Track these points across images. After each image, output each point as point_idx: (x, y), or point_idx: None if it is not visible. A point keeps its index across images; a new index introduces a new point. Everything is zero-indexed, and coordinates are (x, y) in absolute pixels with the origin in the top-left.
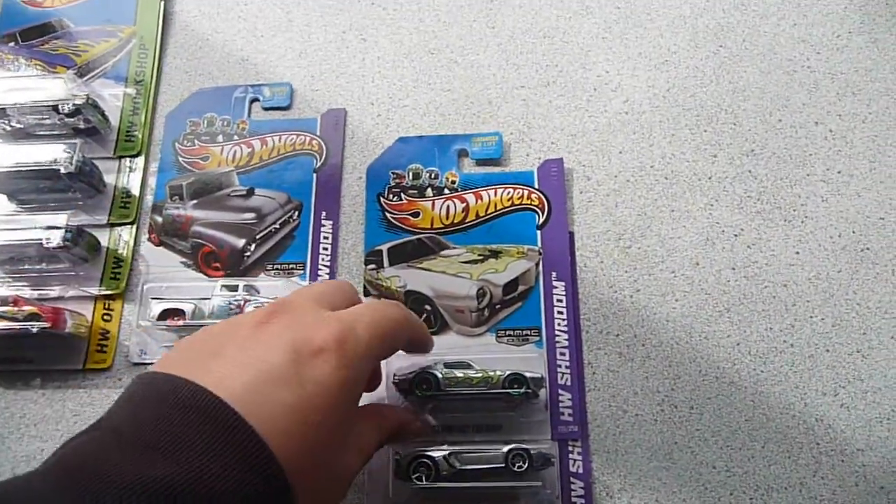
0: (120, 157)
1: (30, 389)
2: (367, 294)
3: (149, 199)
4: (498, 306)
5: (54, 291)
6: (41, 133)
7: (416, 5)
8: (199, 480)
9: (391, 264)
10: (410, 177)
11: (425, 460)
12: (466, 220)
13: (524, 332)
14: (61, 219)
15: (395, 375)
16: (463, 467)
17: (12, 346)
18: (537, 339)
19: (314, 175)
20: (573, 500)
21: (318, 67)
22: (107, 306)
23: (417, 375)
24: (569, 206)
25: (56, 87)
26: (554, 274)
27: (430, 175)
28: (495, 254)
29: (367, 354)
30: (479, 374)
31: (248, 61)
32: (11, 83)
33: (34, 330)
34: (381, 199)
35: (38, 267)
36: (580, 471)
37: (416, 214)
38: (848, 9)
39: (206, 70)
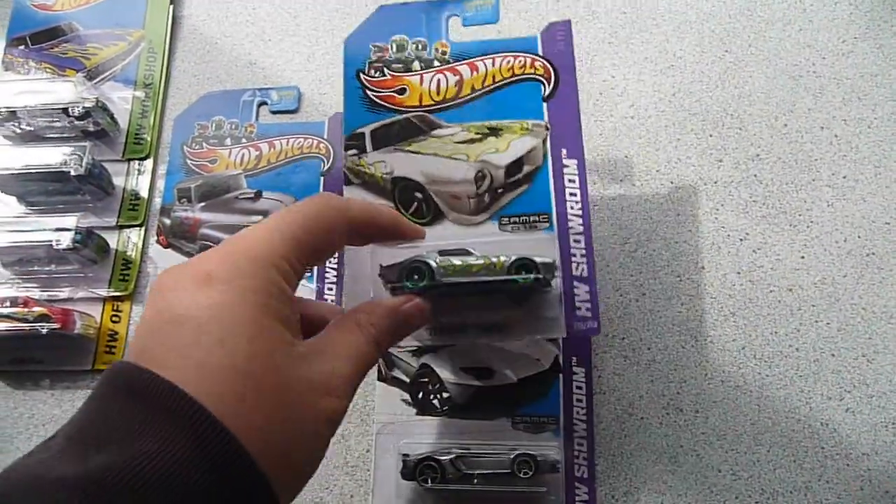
0: (129, 160)
1: (39, 390)
2: (348, 183)
3: (157, 201)
4: (500, 190)
5: (63, 293)
6: (51, 136)
7: None
8: (127, 468)
9: (375, 148)
10: (394, 49)
11: (432, 463)
12: (460, 95)
13: (531, 219)
14: (70, 221)
15: (381, 266)
16: (469, 471)
17: (22, 347)
18: (547, 225)
19: (321, 178)
20: None
21: (325, 71)
22: (115, 307)
23: (407, 263)
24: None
25: (66, 91)
26: (564, 151)
27: (417, 46)
28: (495, 131)
29: (265, 261)
30: (481, 261)
31: (256, 65)
32: (22, 86)
33: (44, 331)
34: (362, 75)
35: (47, 268)
36: (585, 476)
37: (401, 91)
38: (853, 14)
39: (214, 73)
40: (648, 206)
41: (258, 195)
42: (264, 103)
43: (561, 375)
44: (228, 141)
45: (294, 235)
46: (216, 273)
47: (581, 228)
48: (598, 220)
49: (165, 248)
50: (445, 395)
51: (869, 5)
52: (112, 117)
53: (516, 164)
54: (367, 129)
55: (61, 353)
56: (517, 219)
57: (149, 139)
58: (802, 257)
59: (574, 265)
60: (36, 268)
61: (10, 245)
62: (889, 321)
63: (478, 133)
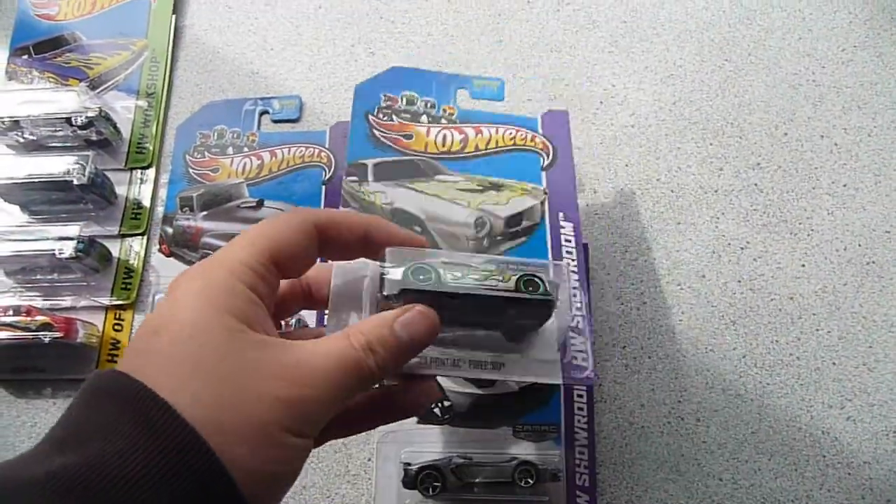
0: (131, 169)
1: (41, 398)
2: (346, 206)
3: (159, 210)
4: (499, 238)
5: (66, 301)
6: (54, 145)
7: (424, 20)
8: (92, 466)
9: (377, 180)
10: (404, 102)
11: (433, 472)
12: (465, 151)
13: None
14: (73, 230)
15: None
16: (470, 480)
17: (24, 356)
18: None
19: (323, 187)
20: None
21: (327, 80)
22: (118, 316)
23: (411, 265)
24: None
25: (69, 100)
26: (561, 214)
27: (427, 104)
28: (497, 186)
29: (228, 269)
30: (490, 269)
31: (257, 74)
32: (25, 96)
33: (46, 339)
34: (370, 116)
35: (49, 277)
36: (586, 484)
37: (408, 136)
38: (853, 23)
39: (216, 83)
40: (649, 215)
41: (260, 204)
42: (266, 112)
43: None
44: (230, 150)
45: (258, 244)
46: (190, 283)
47: (577, 284)
48: (598, 229)
49: (168, 256)
50: (447, 403)
51: (868, 14)
52: (115, 126)
53: (516, 218)
54: (370, 161)
55: (64, 361)
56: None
57: (151, 148)
58: (803, 266)
59: (573, 318)
60: (38, 277)
61: (13, 254)
62: (890, 330)
63: (479, 185)
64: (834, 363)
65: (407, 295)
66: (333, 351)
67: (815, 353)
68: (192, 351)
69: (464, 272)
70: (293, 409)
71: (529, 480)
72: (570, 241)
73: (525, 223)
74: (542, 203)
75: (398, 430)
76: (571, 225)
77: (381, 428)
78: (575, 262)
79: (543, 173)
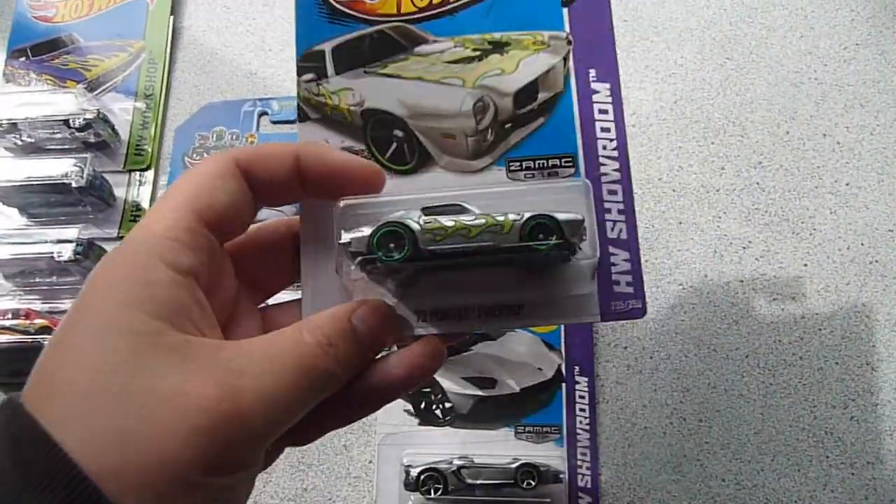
0: (130, 171)
1: None
2: (303, 119)
3: None
4: (508, 125)
5: (65, 304)
6: (52, 147)
7: None
8: None
9: (339, 72)
10: None
11: (435, 474)
12: (451, 0)
13: (550, 163)
14: (72, 232)
15: (342, 233)
16: (472, 482)
17: (23, 360)
18: (571, 170)
19: None
20: None
21: None
22: None
23: (380, 227)
24: None
25: (66, 102)
26: (592, 72)
27: None
28: (499, 47)
29: (154, 237)
30: (481, 221)
31: (256, 75)
32: (23, 98)
33: (45, 343)
34: None
35: (48, 280)
36: (588, 486)
37: None
38: (855, 21)
39: (214, 84)
40: (651, 215)
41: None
42: (265, 113)
43: (563, 385)
44: None
45: (180, 206)
46: (104, 274)
47: (617, 175)
48: None
49: None
50: (448, 405)
51: (870, 11)
52: (113, 128)
53: (529, 90)
54: (327, 47)
55: None
56: (531, 163)
57: (150, 150)
58: (805, 265)
59: (609, 225)
60: (38, 280)
61: (11, 257)
62: (893, 329)
63: (476, 49)
64: (837, 363)
65: (381, 264)
66: (283, 351)
67: (817, 352)
68: (92, 374)
69: (451, 223)
70: (217, 441)
71: (531, 482)
72: (605, 114)
73: (542, 95)
74: (565, 60)
75: (399, 432)
76: (608, 87)
77: (382, 430)
78: (614, 144)
79: (565, 12)
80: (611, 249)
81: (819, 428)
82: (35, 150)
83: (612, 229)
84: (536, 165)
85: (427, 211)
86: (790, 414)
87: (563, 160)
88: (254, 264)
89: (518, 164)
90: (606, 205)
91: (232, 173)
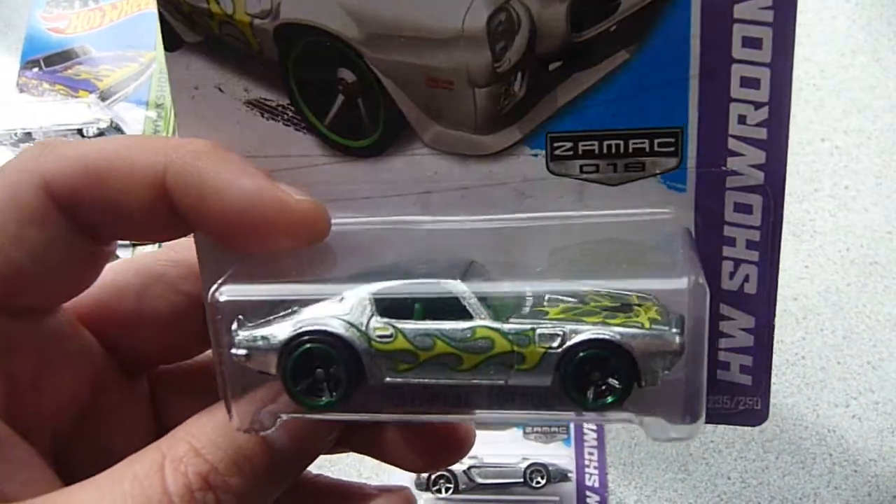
0: None
1: None
2: (174, 46)
3: None
4: (555, 66)
5: None
6: None
7: None
8: None
9: None
10: None
11: (445, 473)
12: None
13: (631, 146)
14: None
15: (234, 328)
16: (482, 481)
17: None
18: (670, 158)
19: None
20: None
21: None
22: None
23: (293, 337)
24: None
25: (79, 111)
26: None
27: None
28: None
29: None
30: (485, 340)
31: None
32: (36, 108)
33: None
34: None
35: None
36: (596, 485)
37: None
38: (851, 28)
39: None
40: None
41: None
42: None
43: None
44: None
45: None
46: None
47: (759, 175)
48: None
49: None
50: None
51: (866, 19)
52: None
53: None
54: None
55: None
56: (596, 144)
57: None
58: (806, 267)
59: (728, 266)
60: None
61: None
62: (894, 328)
63: None
64: (839, 362)
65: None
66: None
67: (820, 352)
68: None
69: (426, 340)
70: None
71: (540, 481)
72: (757, 48)
73: (627, 3)
74: None
75: None
76: None
77: None
78: (764, 113)
79: None
80: (723, 309)
81: (822, 426)
82: None
83: (733, 275)
84: (605, 149)
85: (382, 303)
86: (794, 413)
87: (657, 139)
88: (122, 330)
89: (570, 144)
90: (728, 230)
91: (35, 209)
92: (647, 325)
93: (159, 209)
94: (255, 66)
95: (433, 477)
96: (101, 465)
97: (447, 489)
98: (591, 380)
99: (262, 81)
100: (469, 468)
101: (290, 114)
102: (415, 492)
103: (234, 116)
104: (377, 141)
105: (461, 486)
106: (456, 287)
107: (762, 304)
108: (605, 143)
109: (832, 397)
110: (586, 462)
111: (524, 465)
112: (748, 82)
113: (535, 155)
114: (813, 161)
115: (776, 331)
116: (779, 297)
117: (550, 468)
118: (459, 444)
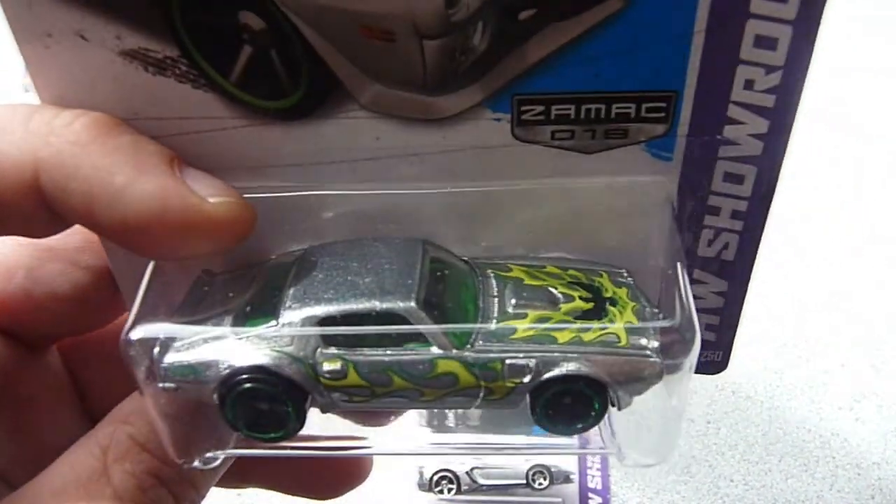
0: None
1: None
2: None
3: None
4: (526, 13)
5: None
6: None
7: None
8: None
9: None
10: None
11: (448, 474)
12: None
13: (614, 111)
14: None
15: (158, 353)
16: (484, 482)
17: None
18: (659, 124)
19: None
20: None
21: None
22: None
23: (231, 386)
24: None
25: None
26: None
27: None
28: None
29: None
30: (448, 371)
31: None
32: None
33: None
34: None
35: None
36: (598, 486)
37: None
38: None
39: None
40: None
41: None
42: None
43: None
44: None
45: None
46: None
47: (758, 145)
48: None
49: None
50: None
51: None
52: None
53: None
54: None
55: None
56: (571, 107)
57: None
58: (808, 268)
59: (707, 235)
60: None
61: None
62: None
63: None
64: (842, 365)
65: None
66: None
67: (823, 355)
68: None
69: (381, 376)
70: None
71: (543, 482)
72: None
73: None
74: None
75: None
76: None
77: None
78: (777, 77)
79: None
80: (697, 274)
81: (825, 429)
82: None
83: (712, 242)
84: (583, 114)
85: (328, 332)
86: (797, 415)
87: (645, 103)
88: (14, 312)
89: (541, 108)
90: (714, 200)
91: None
92: (623, 339)
93: (39, 215)
94: (126, 5)
95: (435, 478)
96: (29, 451)
97: (449, 490)
98: (563, 406)
99: (139, 27)
100: (471, 469)
101: (184, 67)
102: (417, 493)
103: (107, 71)
104: (301, 101)
105: (463, 487)
106: (409, 312)
107: (738, 270)
108: (584, 106)
109: (836, 400)
110: (589, 464)
111: (526, 466)
112: (763, 42)
113: (498, 119)
114: (815, 159)
115: (778, 332)
116: (779, 300)
117: (553, 469)
118: (358, 472)
